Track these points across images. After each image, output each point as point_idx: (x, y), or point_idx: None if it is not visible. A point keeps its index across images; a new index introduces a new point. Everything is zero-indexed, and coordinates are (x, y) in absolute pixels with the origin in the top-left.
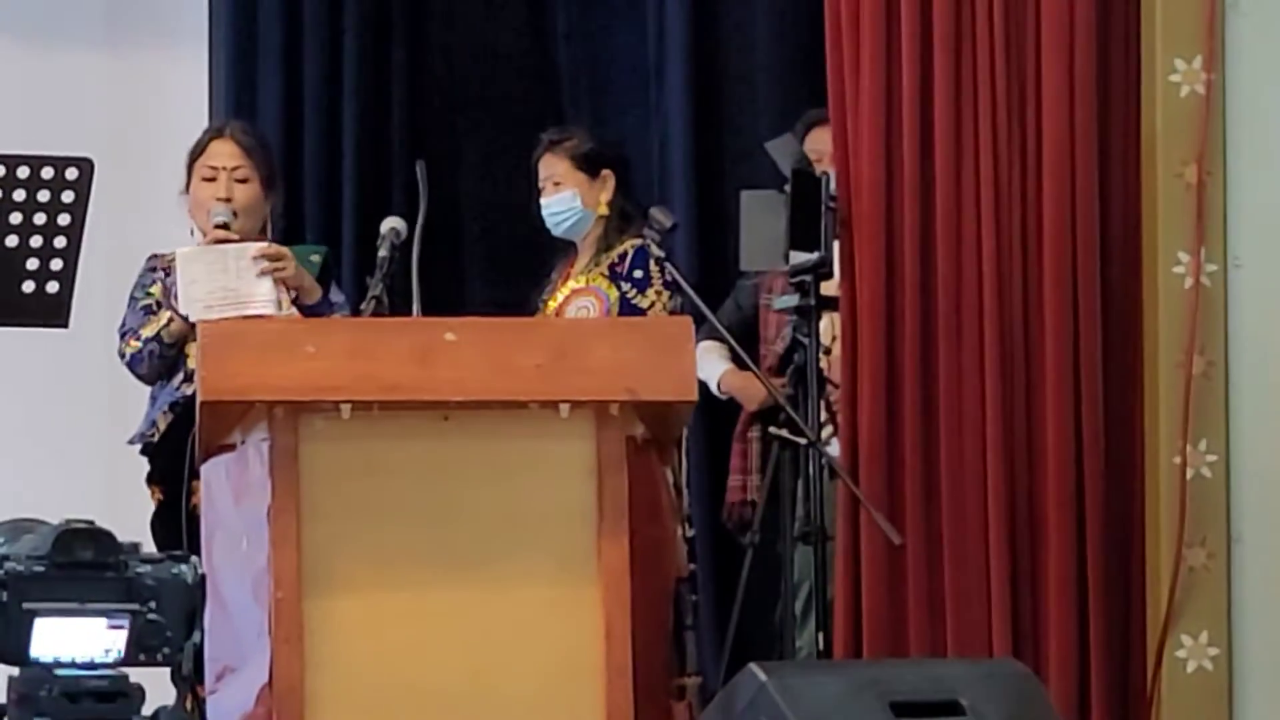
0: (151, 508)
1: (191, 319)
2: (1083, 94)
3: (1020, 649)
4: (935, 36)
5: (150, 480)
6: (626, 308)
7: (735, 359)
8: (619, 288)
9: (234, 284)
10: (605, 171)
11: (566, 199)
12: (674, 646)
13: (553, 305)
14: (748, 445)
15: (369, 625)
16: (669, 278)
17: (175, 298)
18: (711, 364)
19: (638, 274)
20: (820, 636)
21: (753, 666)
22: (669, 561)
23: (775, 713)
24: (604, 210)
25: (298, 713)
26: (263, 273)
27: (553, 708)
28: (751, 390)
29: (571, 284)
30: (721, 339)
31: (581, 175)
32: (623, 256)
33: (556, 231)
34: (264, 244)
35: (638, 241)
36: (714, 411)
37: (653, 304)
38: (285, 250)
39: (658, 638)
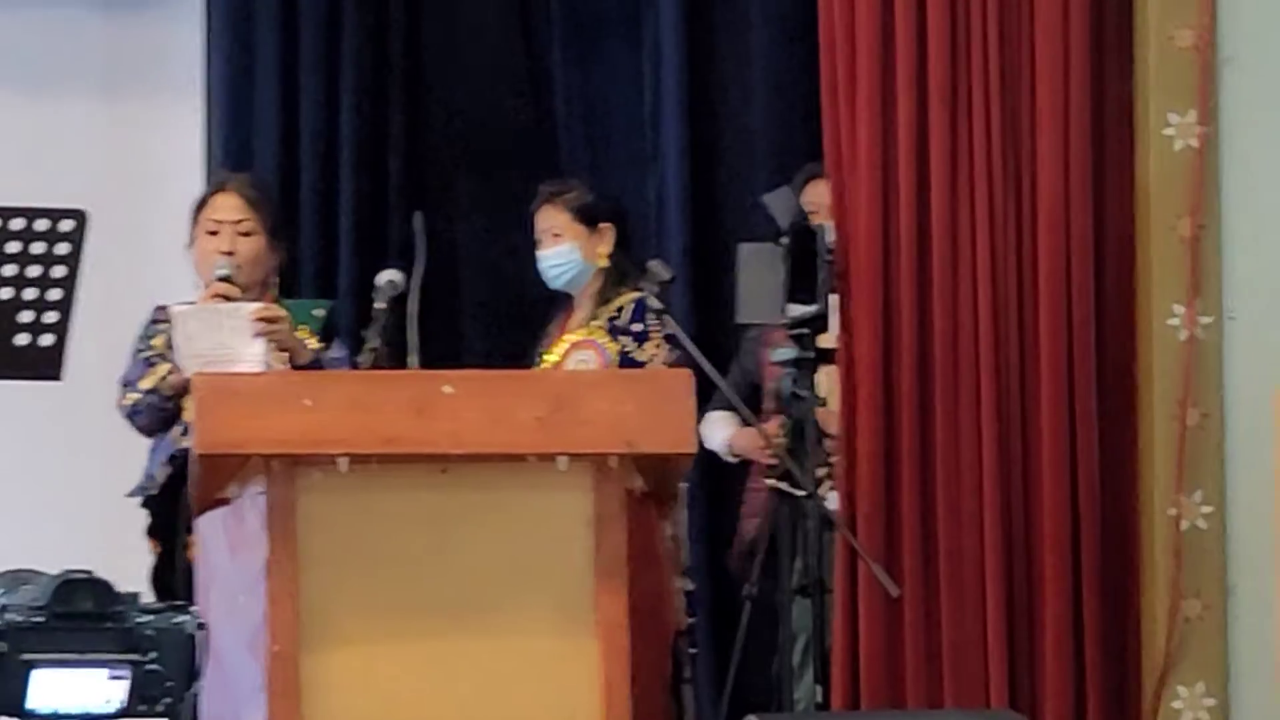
0: (151, 560)
1: (186, 374)
2: (1078, 148)
3: (1017, 700)
4: (931, 91)
5: (150, 533)
6: (626, 362)
7: (743, 420)
8: (618, 341)
9: (229, 341)
10: (604, 224)
11: (565, 251)
12: (672, 699)
13: (550, 358)
14: (762, 496)
15: (366, 679)
16: (668, 331)
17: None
18: (718, 431)
19: (636, 327)
20: (819, 688)
21: (751, 719)
22: (667, 614)
23: None
24: (603, 262)
25: None
26: (258, 334)
27: None
28: (757, 445)
29: (570, 337)
30: (727, 405)
31: (580, 227)
32: (621, 310)
33: (555, 284)
34: (260, 305)
35: (637, 294)
36: (715, 464)
37: (651, 357)
38: (282, 312)
39: (656, 690)
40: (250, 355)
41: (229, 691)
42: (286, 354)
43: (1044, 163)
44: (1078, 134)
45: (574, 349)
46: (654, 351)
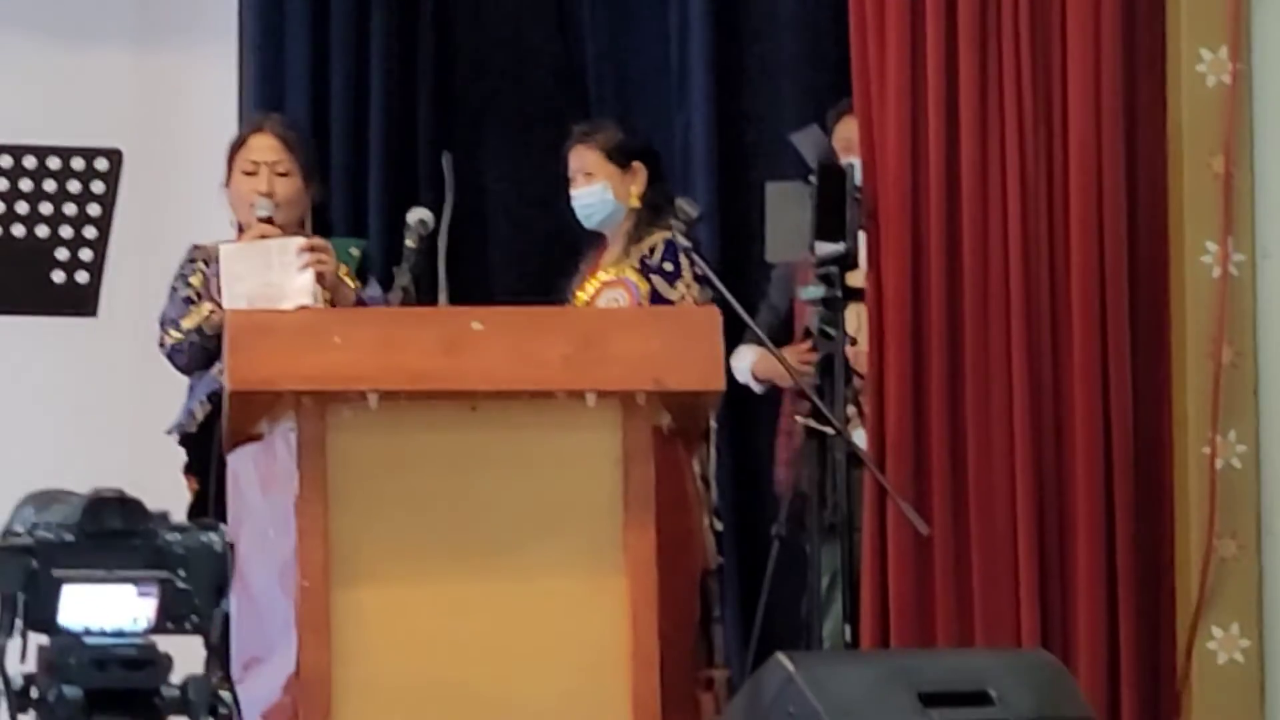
0: (185, 498)
1: None
2: (1109, 84)
3: (1049, 640)
4: (960, 27)
5: (187, 471)
6: (657, 300)
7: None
8: (650, 280)
9: (276, 279)
10: (636, 164)
11: (597, 191)
12: (702, 638)
13: (583, 297)
14: (796, 438)
15: (395, 615)
16: (699, 270)
17: (219, 291)
18: (743, 359)
19: (668, 266)
20: (847, 628)
21: (780, 656)
22: (696, 553)
23: (803, 703)
24: (635, 202)
25: (324, 703)
26: (305, 266)
27: (579, 698)
28: (779, 370)
29: (601, 275)
30: (756, 341)
31: (613, 167)
32: (653, 249)
33: (588, 224)
34: (307, 238)
35: (668, 234)
36: (743, 404)
37: (682, 296)
38: (328, 244)
39: (685, 629)
40: (297, 289)
41: (260, 626)
42: (329, 294)
43: (1075, 99)
44: (1109, 69)
45: (605, 287)
46: (685, 291)
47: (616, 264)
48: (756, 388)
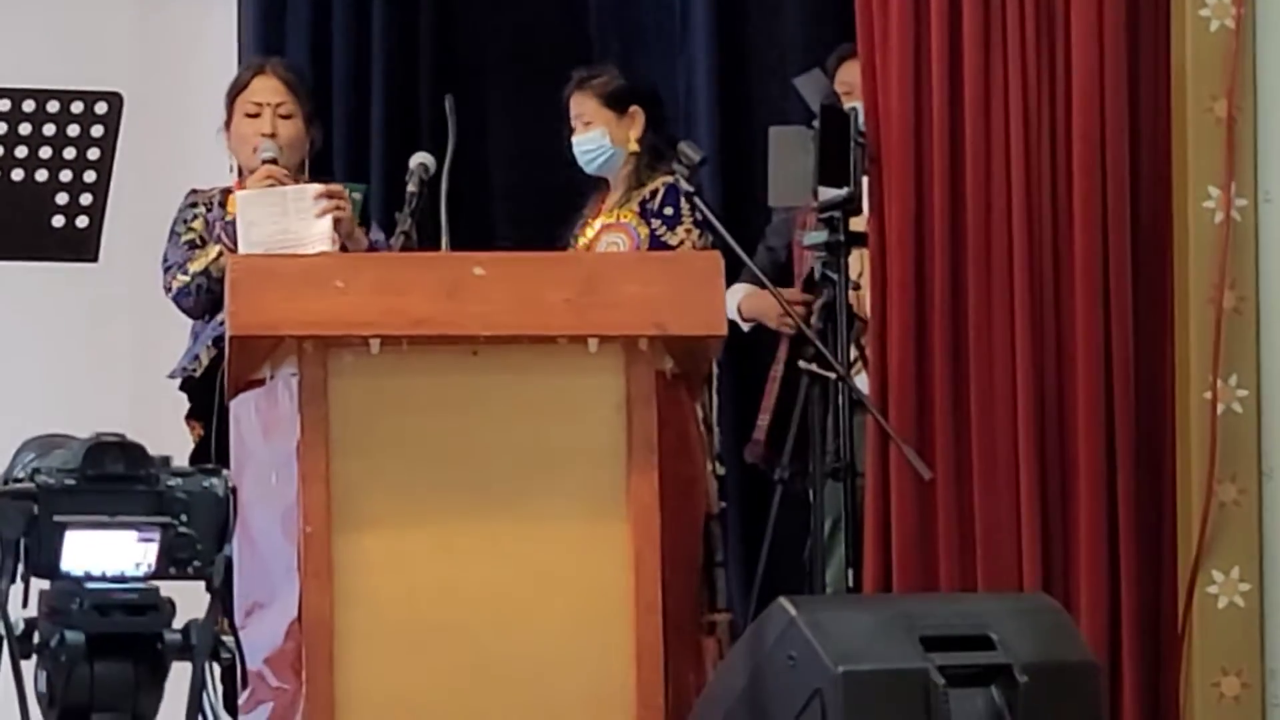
0: (188, 445)
1: None
2: (1112, 28)
3: (1050, 584)
4: None
5: (190, 416)
6: (656, 245)
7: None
8: (649, 225)
9: (294, 226)
10: (634, 108)
11: (596, 137)
12: (705, 583)
13: (583, 241)
14: (771, 384)
15: (398, 560)
16: (699, 215)
17: (226, 232)
18: (732, 297)
19: (668, 211)
20: (850, 572)
21: (782, 600)
22: (699, 497)
23: (805, 647)
24: (634, 147)
25: (327, 648)
26: (323, 212)
27: (582, 643)
28: (771, 308)
29: (603, 219)
30: (752, 281)
31: (610, 113)
32: (654, 193)
33: (588, 169)
34: (324, 185)
35: (669, 179)
36: (745, 348)
37: (682, 241)
38: (344, 190)
39: (688, 574)
40: (315, 236)
41: (263, 571)
42: (343, 242)
43: (1078, 41)
44: (1112, 12)
45: (605, 231)
46: (684, 236)
47: (618, 208)
48: (743, 326)
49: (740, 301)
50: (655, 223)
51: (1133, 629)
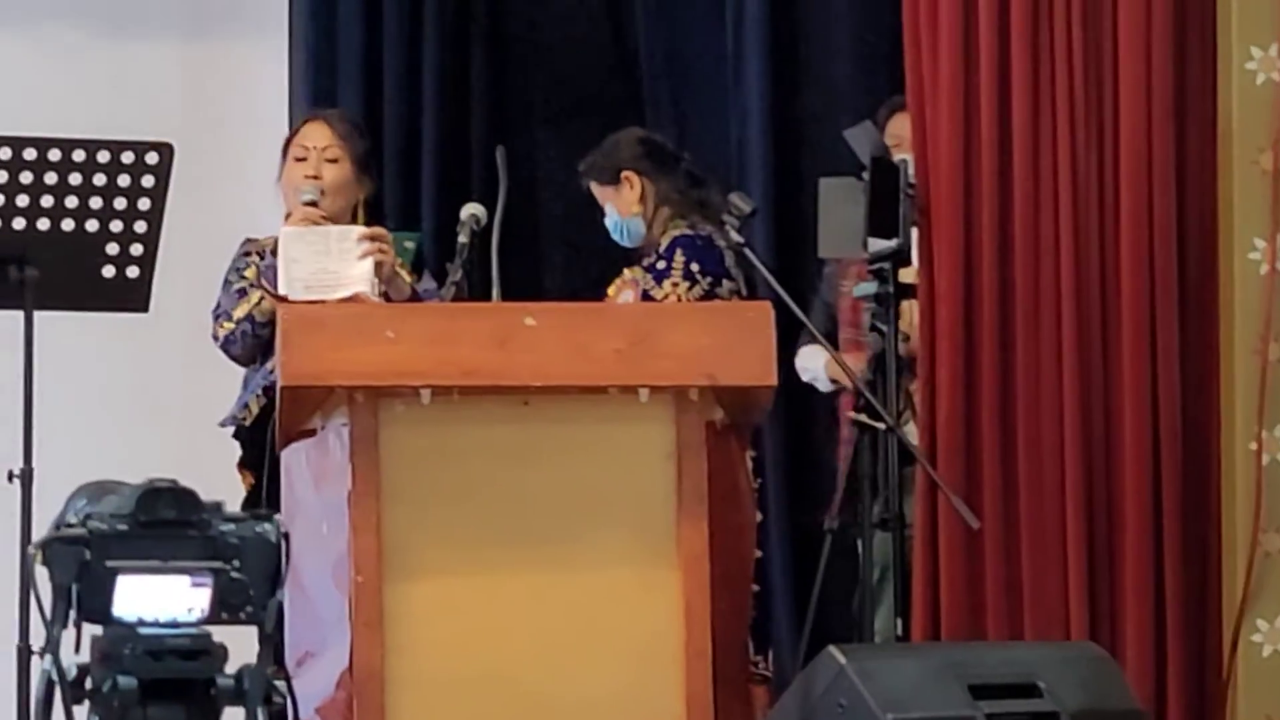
0: (240, 493)
1: (291, 299)
2: (1159, 81)
3: (1097, 633)
4: (1013, 24)
5: (242, 464)
6: (645, 299)
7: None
8: (646, 279)
9: (334, 266)
10: (625, 174)
11: (609, 217)
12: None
13: (611, 294)
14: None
15: (449, 609)
16: (694, 268)
17: (266, 277)
18: (816, 359)
19: (660, 265)
20: (898, 621)
21: (831, 649)
22: (748, 546)
23: (854, 695)
24: (635, 210)
25: (378, 697)
26: (365, 254)
27: (632, 692)
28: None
29: (625, 274)
30: (811, 338)
31: (607, 189)
32: (658, 246)
33: (627, 246)
34: (369, 227)
35: (677, 231)
36: (796, 398)
37: (667, 295)
38: (388, 234)
39: (738, 622)
40: (355, 277)
41: (314, 621)
42: (385, 285)
43: (1125, 96)
44: (1159, 66)
45: (623, 287)
46: (670, 290)
47: (637, 264)
48: (825, 387)
49: (827, 364)
50: (646, 277)
51: (1178, 677)
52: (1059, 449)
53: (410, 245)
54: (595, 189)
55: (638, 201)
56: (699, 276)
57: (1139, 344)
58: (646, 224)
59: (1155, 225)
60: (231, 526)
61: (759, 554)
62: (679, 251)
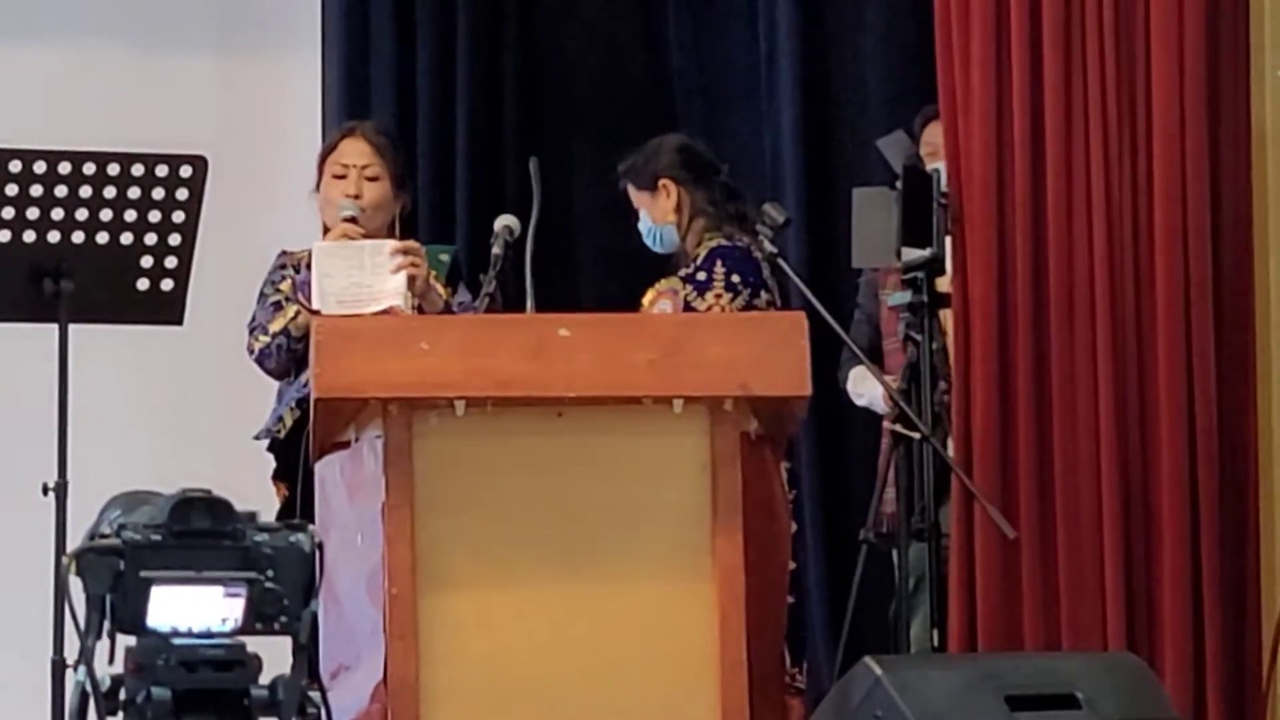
0: (274, 505)
1: (324, 313)
2: (1192, 87)
3: (1135, 643)
4: (1045, 32)
5: (276, 477)
6: (687, 309)
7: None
8: (686, 289)
9: (368, 280)
10: (662, 182)
11: (643, 223)
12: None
13: (645, 304)
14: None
15: (483, 621)
16: (735, 279)
17: (302, 291)
18: (872, 384)
19: (701, 276)
20: (935, 631)
21: (868, 660)
22: (783, 557)
23: (890, 707)
24: (671, 219)
25: (413, 710)
26: (398, 268)
27: (667, 703)
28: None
29: (660, 285)
30: (853, 355)
31: (644, 194)
32: (697, 257)
33: (658, 251)
34: (401, 241)
35: (714, 242)
36: (829, 409)
37: (710, 306)
38: (420, 248)
39: (772, 633)
40: (388, 291)
41: (348, 633)
42: (418, 300)
43: (1159, 105)
44: (1192, 73)
45: (658, 297)
46: (713, 301)
47: (673, 274)
48: (883, 410)
49: (883, 390)
50: (688, 288)
51: (1217, 686)
52: (1095, 457)
53: (445, 258)
54: (632, 192)
55: (673, 210)
56: (740, 288)
57: (1174, 351)
58: (681, 233)
59: (1189, 230)
60: (265, 536)
61: (794, 565)
62: (719, 263)
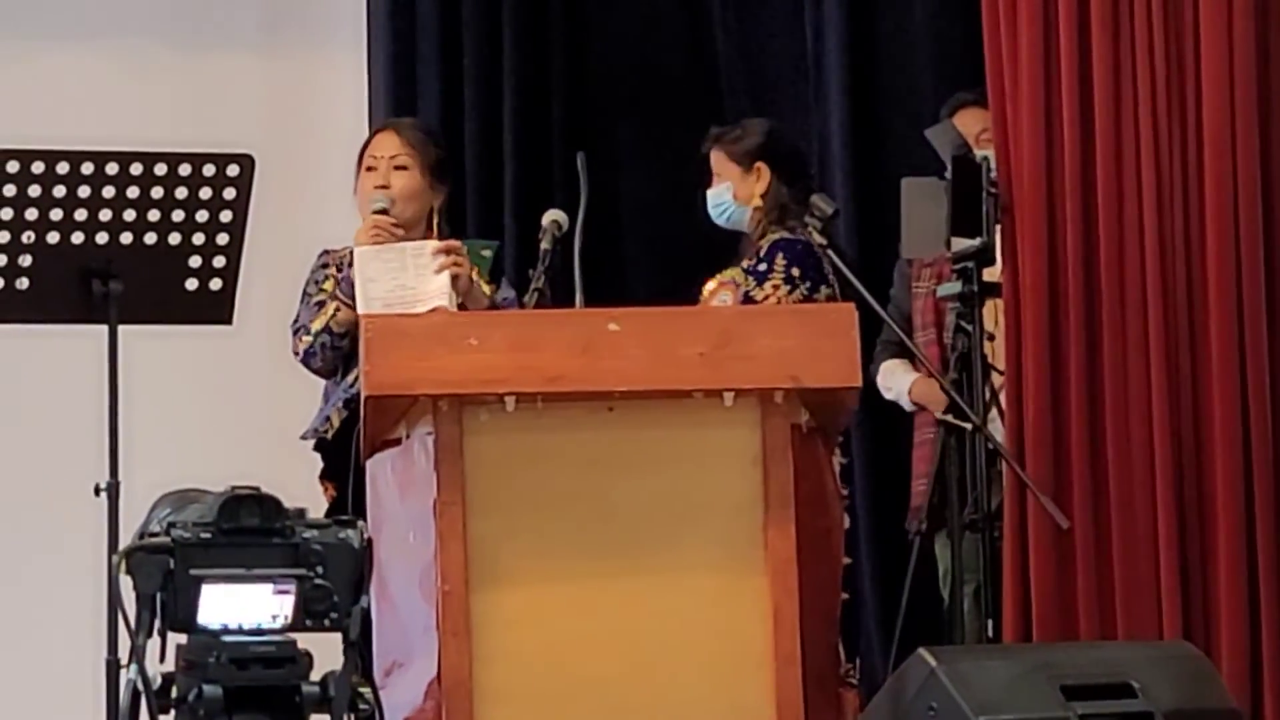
0: (322, 505)
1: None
2: (1242, 75)
3: (1190, 631)
4: (1093, 21)
5: (324, 477)
6: (745, 301)
7: (915, 366)
8: (747, 280)
9: (411, 281)
10: (759, 165)
11: (721, 191)
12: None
13: (704, 295)
14: (932, 448)
15: (536, 617)
16: (793, 271)
17: (344, 290)
18: (899, 379)
19: (761, 267)
20: (989, 622)
21: (922, 652)
22: (836, 549)
23: (945, 698)
24: (756, 203)
25: (466, 706)
26: (441, 268)
27: (721, 698)
28: (938, 396)
29: (719, 276)
30: (898, 354)
31: (737, 169)
32: (760, 249)
33: (718, 222)
34: (442, 240)
35: (777, 235)
36: (881, 403)
37: (767, 297)
38: (462, 246)
39: (826, 626)
40: (432, 292)
41: (401, 631)
42: (461, 297)
43: (1209, 91)
44: (1242, 61)
45: (720, 288)
46: (770, 291)
47: (733, 264)
48: (909, 407)
49: (911, 388)
50: (749, 278)
51: (1274, 675)
52: (1148, 446)
53: (487, 254)
54: (719, 161)
55: (760, 195)
56: (799, 280)
57: (1227, 338)
58: (755, 220)
59: (1241, 220)
60: (314, 533)
61: (848, 561)
62: (779, 255)
